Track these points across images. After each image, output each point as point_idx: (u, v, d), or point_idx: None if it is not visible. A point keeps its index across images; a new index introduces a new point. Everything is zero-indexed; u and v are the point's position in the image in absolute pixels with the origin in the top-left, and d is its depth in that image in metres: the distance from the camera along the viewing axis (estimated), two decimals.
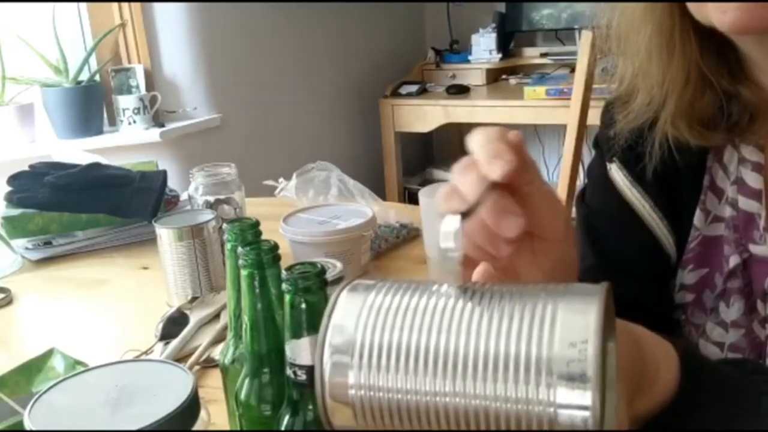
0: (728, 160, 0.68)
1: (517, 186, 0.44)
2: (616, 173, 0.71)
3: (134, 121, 2.13)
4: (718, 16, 0.55)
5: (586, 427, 0.32)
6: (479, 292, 0.36)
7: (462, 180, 0.44)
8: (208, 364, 0.77)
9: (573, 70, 2.14)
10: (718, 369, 0.53)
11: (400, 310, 0.36)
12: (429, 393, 0.34)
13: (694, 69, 0.63)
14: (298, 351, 0.44)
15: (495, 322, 0.34)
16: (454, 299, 0.36)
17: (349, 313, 0.36)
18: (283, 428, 0.46)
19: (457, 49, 3.20)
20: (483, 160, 0.43)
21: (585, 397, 0.32)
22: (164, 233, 0.91)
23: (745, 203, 0.66)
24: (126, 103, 2.12)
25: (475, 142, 0.45)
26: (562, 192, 1.83)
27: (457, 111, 2.84)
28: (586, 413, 0.32)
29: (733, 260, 0.67)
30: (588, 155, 2.35)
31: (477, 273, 0.42)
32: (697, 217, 0.69)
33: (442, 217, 0.41)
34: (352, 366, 0.35)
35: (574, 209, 0.79)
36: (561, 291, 0.35)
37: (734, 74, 0.64)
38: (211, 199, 1.03)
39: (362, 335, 0.35)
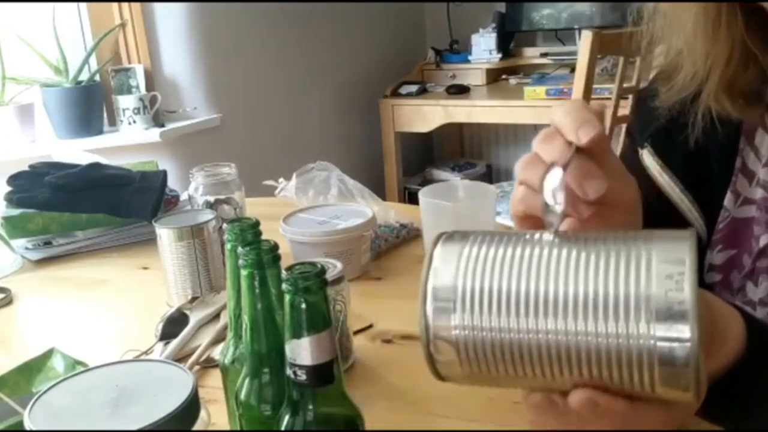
0: (760, 142, 0.69)
1: (596, 153, 0.46)
2: (647, 158, 0.73)
3: (134, 121, 2.13)
4: None
5: (686, 358, 0.34)
6: (573, 239, 0.39)
7: (546, 147, 0.46)
8: (208, 364, 0.77)
9: (573, 70, 2.14)
10: None
11: (497, 258, 0.38)
12: (531, 331, 0.36)
13: (738, 46, 0.64)
14: (298, 351, 0.44)
15: (592, 263, 0.36)
16: (549, 247, 0.38)
17: (448, 261, 0.39)
18: (283, 428, 0.46)
19: (457, 49, 3.20)
20: (570, 126, 0.46)
21: (683, 330, 0.34)
22: (164, 233, 0.91)
23: None
24: (126, 103, 2.12)
25: (559, 112, 0.47)
26: None
27: (457, 111, 2.84)
28: (686, 344, 0.34)
29: (764, 239, 0.68)
30: None
31: (565, 225, 0.44)
32: (728, 199, 0.71)
33: (532, 182, 0.44)
34: (455, 309, 0.38)
35: None
36: (650, 234, 0.37)
37: None
38: (211, 199, 1.03)
39: (462, 281, 0.38)
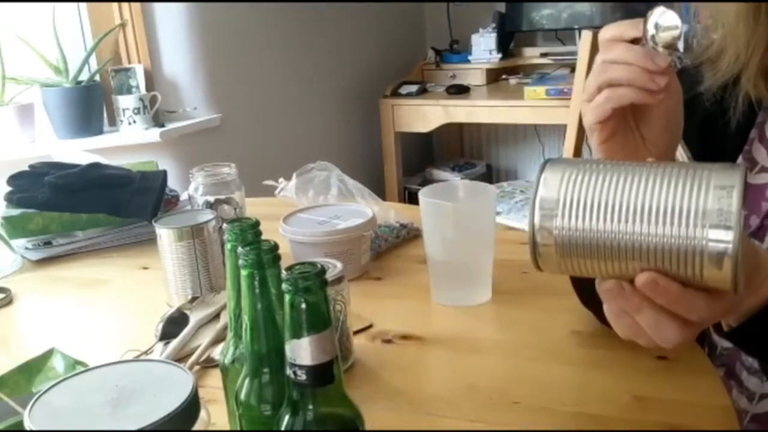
0: None
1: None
2: None
3: (134, 121, 2.13)
4: None
5: (725, 253, 0.45)
6: (651, 166, 0.50)
7: (612, 52, 0.59)
8: (208, 364, 0.77)
9: (573, 70, 2.14)
10: None
11: (591, 179, 0.50)
12: (614, 232, 0.48)
13: None
14: (298, 351, 0.44)
15: (665, 184, 0.48)
16: (632, 171, 0.49)
17: (553, 180, 0.51)
18: (283, 428, 0.46)
19: (457, 49, 3.20)
20: (629, 24, 0.58)
21: (728, 234, 0.45)
22: (164, 233, 0.91)
23: None
24: (126, 103, 2.12)
25: (609, 27, 0.60)
26: None
27: (457, 111, 2.84)
28: (728, 245, 0.45)
29: None
30: (588, 155, 2.35)
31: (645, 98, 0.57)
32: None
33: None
34: (556, 215, 0.50)
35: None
36: (711, 165, 0.48)
37: None
38: (211, 199, 1.03)
39: (563, 195, 0.50)
